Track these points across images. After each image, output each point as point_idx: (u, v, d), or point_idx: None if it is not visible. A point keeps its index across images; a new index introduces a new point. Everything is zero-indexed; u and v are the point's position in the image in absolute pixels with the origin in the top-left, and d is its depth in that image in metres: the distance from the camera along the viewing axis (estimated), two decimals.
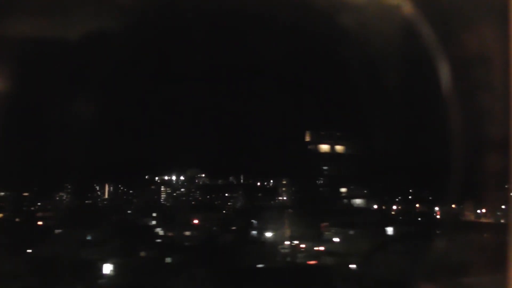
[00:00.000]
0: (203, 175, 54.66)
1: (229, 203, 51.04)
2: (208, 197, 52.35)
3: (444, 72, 6.85)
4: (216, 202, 53.22)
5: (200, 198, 54.79)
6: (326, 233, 41.99)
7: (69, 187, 51.74)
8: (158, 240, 40.89)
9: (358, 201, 51.19)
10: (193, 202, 54.74)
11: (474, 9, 6.36)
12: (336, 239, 40.97)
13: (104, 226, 40.60)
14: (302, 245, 40.96)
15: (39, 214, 49.04)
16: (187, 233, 42.59)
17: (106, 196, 54.13)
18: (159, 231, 42.97)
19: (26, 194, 52.88)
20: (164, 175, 56.30)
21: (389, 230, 42.49)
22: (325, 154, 50.43)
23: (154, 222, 45.59)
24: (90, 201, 52.84)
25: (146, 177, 56.44)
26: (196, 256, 34.21)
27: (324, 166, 50.72)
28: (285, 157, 53.11)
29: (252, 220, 45.15)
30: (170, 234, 42.97)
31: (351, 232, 41.31)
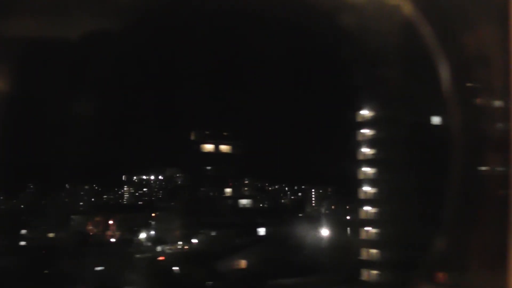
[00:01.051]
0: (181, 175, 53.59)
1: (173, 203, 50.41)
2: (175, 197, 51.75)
3: (444, 72, 6.87)
4: (163, 201, 52.32)
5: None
6: (192, 233, 41.95)
7: (31, 187, 51.01)
8: (23, 243, 39.60)
9: (244, 202, 50.25)
10: (140, 202, 53.83)
11: (474, 9, 6.42)
12: (194, 240, 41.49)
13: None
14: (164, 245, 41.30)
15: None
16: (51, 235, 41.44)
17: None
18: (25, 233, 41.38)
19: None
20: (142, 174, 55.62)
21: (261, 231, 42.72)
22: (216, 154, 49.06)
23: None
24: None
25: (123, 177, 55.85)
26: (36, 258, 34.02)
27: (214, 166, 49.24)
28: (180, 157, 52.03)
29: (150, 221, 45.20)
30: (31, 236, 41.48)
31: (213, 233, 41.60)
